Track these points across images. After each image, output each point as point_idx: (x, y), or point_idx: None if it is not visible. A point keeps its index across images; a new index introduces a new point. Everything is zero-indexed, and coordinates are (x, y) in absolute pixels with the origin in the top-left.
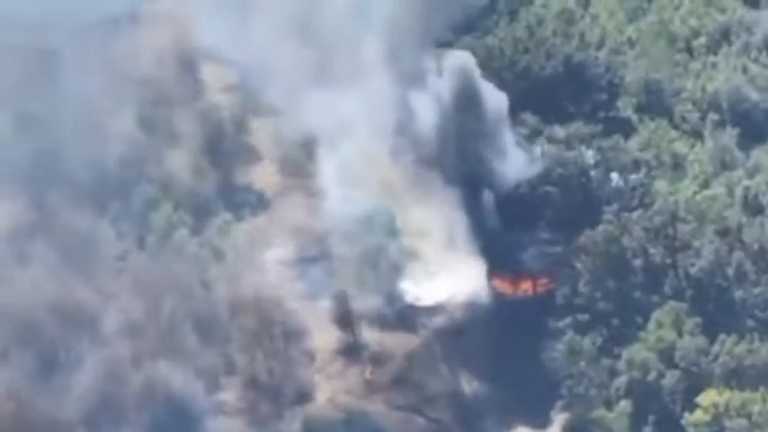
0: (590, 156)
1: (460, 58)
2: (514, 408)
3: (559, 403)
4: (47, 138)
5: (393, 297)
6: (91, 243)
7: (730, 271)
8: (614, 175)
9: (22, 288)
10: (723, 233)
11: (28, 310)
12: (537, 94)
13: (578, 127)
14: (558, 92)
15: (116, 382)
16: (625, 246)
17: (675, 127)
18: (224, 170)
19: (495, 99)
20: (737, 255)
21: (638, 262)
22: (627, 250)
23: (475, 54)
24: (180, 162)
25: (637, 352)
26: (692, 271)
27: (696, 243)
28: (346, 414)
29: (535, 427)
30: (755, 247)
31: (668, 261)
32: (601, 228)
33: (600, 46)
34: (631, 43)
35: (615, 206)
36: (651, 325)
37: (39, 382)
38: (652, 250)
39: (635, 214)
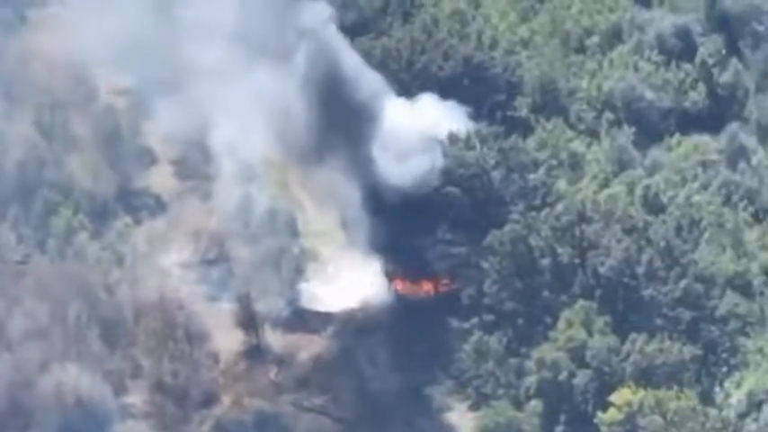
0: (491, 156)
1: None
2: (420, 407)
3: (467, 403)
4: None
5: (295, 299)
6: None
7: (639, 269)
8: (515, 176)
9: None
10: (629, 232)
11: None
12: (435, 95)
13: (481, 127)
14: (456, 92)
15: (24, 387)
16: (532, 245)
17: (571, 126)
18: (121, 174)
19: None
20: (647, 253)
21: (545, 261)
22: (534, 250)
23: (371, 55)
24: (78, 166)
25: (547, 351)
26: (602, 270)
27: (604, 242)
28: (256, 416)
29: (442, 426)
30: (662, 244)
31: (576, 260)
32: (507, 227)
33: (493, 46)
34: (524, 43)
35: (521, 206)
36: (561, 324)
37: None
38: (560, 250)
39: (542, 214)
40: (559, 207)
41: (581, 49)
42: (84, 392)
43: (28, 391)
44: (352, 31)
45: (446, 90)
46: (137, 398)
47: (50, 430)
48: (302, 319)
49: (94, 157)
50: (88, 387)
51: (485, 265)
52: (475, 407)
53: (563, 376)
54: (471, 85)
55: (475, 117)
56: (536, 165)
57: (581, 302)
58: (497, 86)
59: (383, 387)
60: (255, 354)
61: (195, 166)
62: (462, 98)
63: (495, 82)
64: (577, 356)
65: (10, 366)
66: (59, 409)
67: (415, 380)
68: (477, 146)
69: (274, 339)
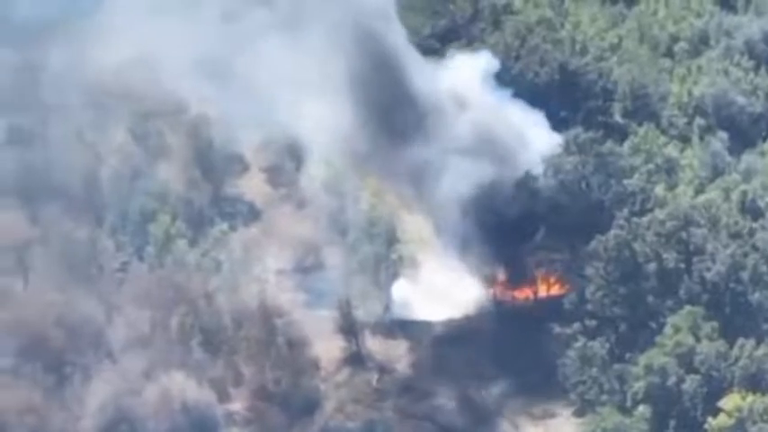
0: (589, 162)
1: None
2: (524, 412)
3: (570, 409)
4: (37, 151)
5: (393, 307)
6: (91, 255)
7: (745, 275)
8: (612, 182)
9: (27, 301)
10: (735, 237)
11: (34, 324)
12: (530, 101)
13: (578, 133)
14: (552, 98)
15: (131, 395)
16: (637, 251)
17: (663, 131)
18: (214, 181)
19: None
20: (752, 258)
21: (650, 267)
22: (639, 255)
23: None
24: (173, 174)
25: (655, 357)
26: (708, 275)
27: (710, 247)
28: (363, 423)
29: (549, 431)
30: (767, 250)
31: (682, 266)
32: (612, 233)
33: (583, 52)
34: (613, 49)
35: (625, 211)
36: (668, 330)
37: (53, 396)
38: (665, 255)
39: (645, 219)
40: (664, 212)
41: (669, 54)
42: (190, 399)
43: (134, 398)
44: (444, 37)
45: (541, 96)
46: (239, 405)
47: None
48: (402, 326)
49: (188, 164)
50: (193, 394)
51: (588, 270)
52: (579, 413)
53: (671, 381)
54: (567, 91)
55: (570, 123)
56: (632, 170)
57: (688, 308)
58: (593, 92)
59: (485, 393)
60: (356, 360)
61: (287, 173)
62: (557, 104)
63: (590, 88)
64: (685, 362)
65: (115, 374)
66: (166, 416)
67: (516, 385)
68: (576, 152)
69: (374, 346)
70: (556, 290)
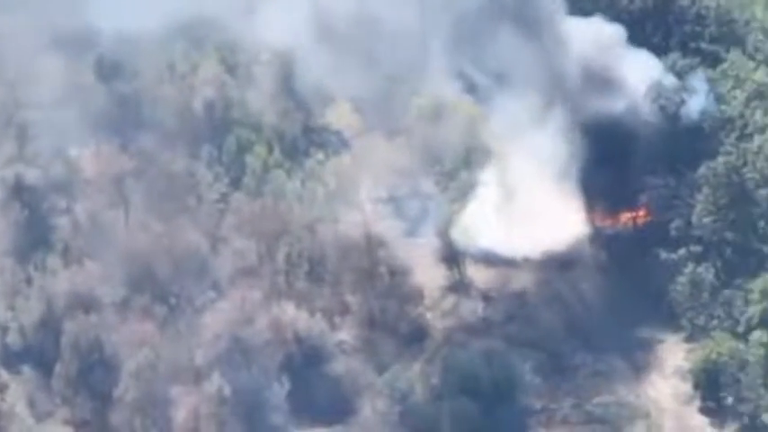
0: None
1: None
2: (631, 340)
3: (680, 335)
4: (130, 84)
5: (492, 236)
6: (189, 186)
7: None
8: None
9: (131, 233)
10: None
11: (141, 256)
12: (625, 28)
13: (675, 59)
14: (645, 24)
15: (244, 325)
16: (746, 176)
17: (750, 57)
18: (302, 112)
19: None
20: None
21: (762, 192)
22: (749, 181)
23: None
24: (263, 105)
25: None
26: None
27: None
28: (478, 353)
29: (657, 357)
30: None
31: None
32: (721, 159)
33: None
34: None
35: (732, 137)
36: None
37: (165, 328)
38: None
39: (755, 144)
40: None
41: None
42: (302, 329)
43: (247, 328)
44: None
45: (635, 22)
46: (347, 334)
47: (271, 368)
48: (503, 256)
49: (278, 95)
50: (304, 324)
51: (697, 197)
52: (689, 339)
53: None
54: (660, 17)
55: (664, 49)
56: (728, 96)
57: None
58: (686, 18)
59: (591, 320)
60: (460, 289)
61: (374, 103)
62: (651, 30)
63: (683, 13)
64: None
65: (227, 304)
66: (279, 345)
67: (622, 313)
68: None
69: (476, 274)
70: (652, 216)
